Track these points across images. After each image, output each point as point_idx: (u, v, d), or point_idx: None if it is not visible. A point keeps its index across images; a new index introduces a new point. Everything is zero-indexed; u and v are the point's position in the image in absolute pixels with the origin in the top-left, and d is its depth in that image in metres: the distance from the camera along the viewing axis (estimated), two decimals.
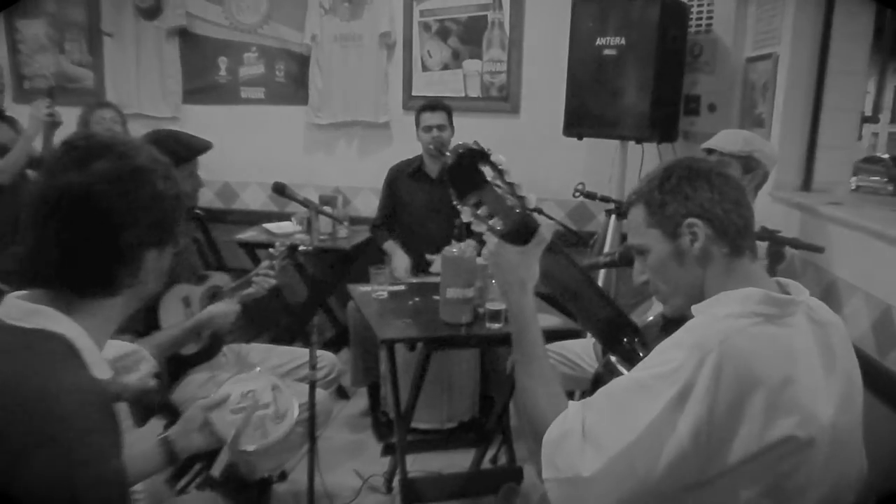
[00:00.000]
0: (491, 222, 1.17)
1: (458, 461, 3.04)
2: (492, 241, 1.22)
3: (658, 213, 1.28)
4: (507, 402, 2.80)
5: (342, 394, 3.70)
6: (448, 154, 1.16)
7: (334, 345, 4.00)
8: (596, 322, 1.41)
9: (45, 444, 0.93)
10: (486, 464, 3.02)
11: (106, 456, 0.98)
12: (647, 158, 3.76)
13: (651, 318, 1.53)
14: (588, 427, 1.14)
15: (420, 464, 2.99)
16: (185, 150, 2.45)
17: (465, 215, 1.17)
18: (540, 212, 1.39)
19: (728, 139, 2.44)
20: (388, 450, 2.90)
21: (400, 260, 3.65)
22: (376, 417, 3.51)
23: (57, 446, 0.93)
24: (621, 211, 3.41)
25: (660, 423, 1.10)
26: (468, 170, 1.15)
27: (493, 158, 1.15)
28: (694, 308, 1.24)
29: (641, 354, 1.36)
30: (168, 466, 1.61)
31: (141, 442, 1.57)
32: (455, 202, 1.18)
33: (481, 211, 1.17)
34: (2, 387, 0.99)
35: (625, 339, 1.41)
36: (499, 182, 1.15)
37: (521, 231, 1.19)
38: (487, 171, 1.15)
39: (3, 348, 1.05)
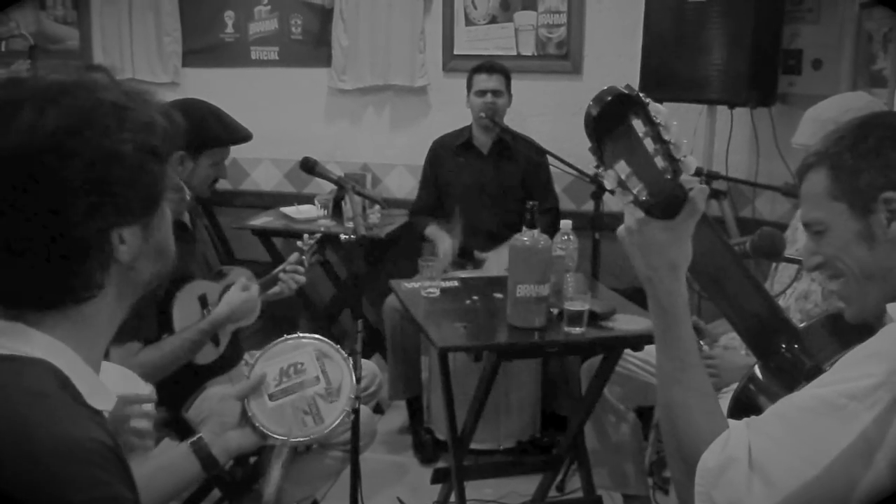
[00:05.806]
0: (636, 190, 1.07)
1: (513, 486, 3.03)
2: (634, 215, 1.12)
3: (847, 183, 1.20)
4: (584, 420, 2.75)
5: (377, 408, 3.65)
6: (591, 103, 1.06)
7: (364, 351, 3.92)
8: (745, 320, 1.30)
9: None
10: (552, 492, 2.99)
11: None
12: (737, 126, 3.70)
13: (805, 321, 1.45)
14: (756, 455, 1.07)
15: (470, 491, 2.90)
16: (225, 132, 2.38)
17: (609, 181, 1.07)
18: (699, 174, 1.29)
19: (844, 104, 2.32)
20: (439, 476, 2.85)
21: (444, 243, 3.59)
22: (418, 436, 3.50)
23: None
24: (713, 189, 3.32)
25: (852, 454, 1.02)
26: (615, 122, 1.05)
27: (650, 108, 1.05)
28: (892, 308, 1.16)
29: (807, 363, 1.27)
30: (205, 475, 1.47)
31: (165, 452, 1.44)
32: (596, 164, 1.09)
33: (626, 176, 1.07)
34: None
35: (782, 346, 1.30)
36: (651, 139, 1.05)
37: (666, 204, 1.09)
38: (639, 126, 1.05)
39: None
